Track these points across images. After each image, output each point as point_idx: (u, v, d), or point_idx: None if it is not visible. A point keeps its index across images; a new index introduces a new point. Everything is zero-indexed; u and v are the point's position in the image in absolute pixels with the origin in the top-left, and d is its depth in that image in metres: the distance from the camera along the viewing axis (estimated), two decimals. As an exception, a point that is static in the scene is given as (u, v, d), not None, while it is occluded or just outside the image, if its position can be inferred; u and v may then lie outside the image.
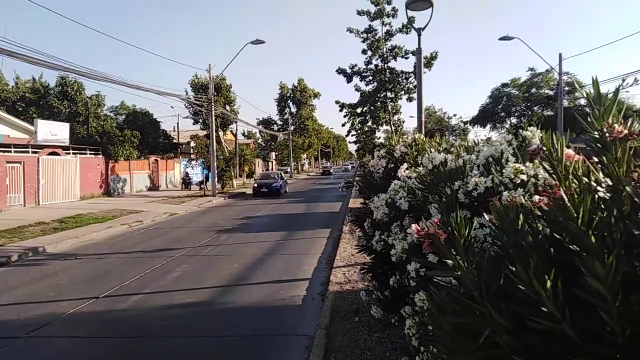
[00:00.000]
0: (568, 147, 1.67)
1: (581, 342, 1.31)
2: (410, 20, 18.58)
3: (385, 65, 25.71)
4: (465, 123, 49.69)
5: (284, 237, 13.13)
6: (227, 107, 35.33)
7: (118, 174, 28.85)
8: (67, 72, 21.33)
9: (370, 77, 26.21)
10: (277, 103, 65.30)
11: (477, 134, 47.71)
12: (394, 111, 26.98)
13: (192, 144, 39.73)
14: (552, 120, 28.64)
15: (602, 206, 1.41)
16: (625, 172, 1.42)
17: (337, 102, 28.38)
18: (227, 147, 38.66)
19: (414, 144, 3.88)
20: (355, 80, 26.63)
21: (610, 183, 1.45)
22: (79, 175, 24.89)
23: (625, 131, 1.42)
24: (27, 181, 20.93)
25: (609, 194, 1.45)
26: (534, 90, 41.40)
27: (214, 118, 28.17)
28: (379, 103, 26.68)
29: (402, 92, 26.09)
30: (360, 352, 4.86)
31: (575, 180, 1.54)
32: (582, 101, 36.54)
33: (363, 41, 25.17)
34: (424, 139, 4.05)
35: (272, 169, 72.95)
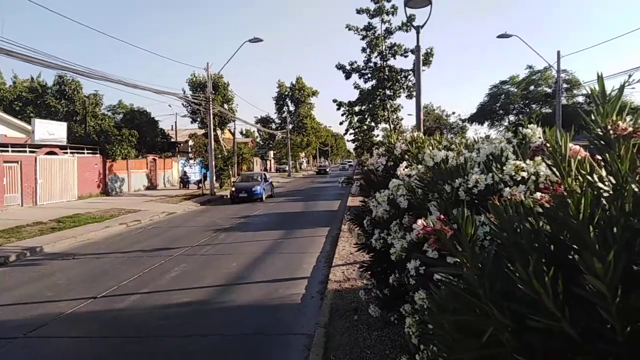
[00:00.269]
0: (582, 146, 1.66)
1: (581, 340, 1.30)
2: (410, 18, 18.57)
3: (385, 63, 25.71)
4: (463, 121, 49.67)
5: (283, 235, 13.12)
6: (225, 106, 35.29)
7: (116, 173, 28.79)
8: (65, 71, 21.29)
9: (369, 75, 26.22)
10: (275, 101, 65.34)
11: (477, 131, 47.75)
12: (392, 109, 26.99)
13: (190, 142, 39.70)
14: (550, 117, 28.66)
15: (604, 203, 1.40)
16: (628, 169, 1.41)
17: (334, 100, 28.40)
18: (225, 146, 38.62)
19: (414, 141, 3.87)
20: (354, 77, 26.68)
21: (613, 181, 1.44)
22: (76, 175, 24.83)
23: (630, 128, 1.41)
24: (24, 181, 20.87)
25: (611, 191, 1.44)
26: (532, 87, 41.39)
27: (211, 117, 28.10)
28: (377, 101, 26.68)
29: (401, 90, 26.10)
30: (360, 351, 4.86)
31: (579, 177, 1.53)
32: (580, 99, 36.59)
33: (362, 39, 25.18)
34: (424, 137, 4.04)
35: (270, 168, 72.95)
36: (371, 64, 26.01)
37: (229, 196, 24.21)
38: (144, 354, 5.32)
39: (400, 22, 24.25)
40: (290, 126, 60.85)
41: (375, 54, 25.46)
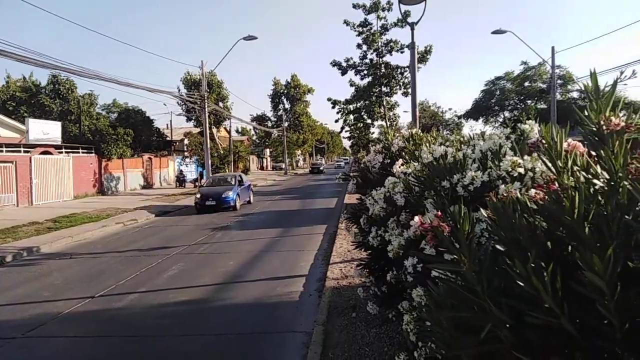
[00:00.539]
0: (579, 142, 1.67)
1: (580, 336, 1.31)
2: (406, 14, 18.55)
3: (381, 60, 25.68)
4: (459, 117, 49.77)
5: (280, 233, 13.11)
6: (220, 104, 35.20)
7: (111, 172, 28.67)
8: (58, 71, 21.16)
9: (365, 72, 26.18)
10: (270, 99, 65.14)
11: (473, 127, 47.86)
12: (389, 106, 26.98)
13: (186, 141, 39.55)
14: (545, 113, 28.74)
15: (599, 199, 1.41)
16: (622, 164, 1.41)
17: (329, 99, 28.33)
18: (221, 144, 38.56)
19: (411, 138, 3.87)
20: (350, 73, 26.60)
21: (607, 176, 1.45)
22: (72, 175, 24.72)
23: (622, 124, 1.42)
24: (19, 181, 20.76)
25: (606, 187, 1.44)
26: (527, 83, 41.54)
27: (207, 115, 28.00)
28: (374, 98, 26.65)
29: (398, 87, 26.08)
30: (358, 348, 4.87)
31: (574, 174, 1.54)
32: (575, 94, 36.70)
33: (358, 35, 25.13)
34: (422, 133, 4.04)
35: (267, 166, 72.79)
36: (367, 61, 25.97)
37: (193, 204, 19.27)
38: (142, 354, 5.31)
39: (396, 19, 24.23)
40: (286, 124, 60.74)
41: (372, 50, 25.43)
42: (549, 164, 1.57)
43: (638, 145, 1.50)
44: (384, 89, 26.23)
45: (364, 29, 24.89)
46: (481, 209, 1.78)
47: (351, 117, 28.67)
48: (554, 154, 1.57)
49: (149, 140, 34.07)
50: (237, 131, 67.54)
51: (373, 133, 29.00)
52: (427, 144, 3.49)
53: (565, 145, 1.58)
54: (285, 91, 64.10)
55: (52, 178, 23.17)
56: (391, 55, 25.60)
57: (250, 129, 71.72)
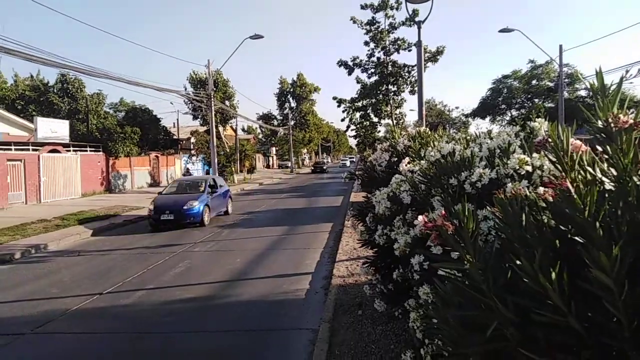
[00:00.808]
0: (580, 139, 1.66)
1: (587, 334, 1.30)
2: (414, 13, 18.50)
3: (388, 58, 25.61)
4: (466, 116, 49.60)
5: (286, 231, 13.14)
6: (227, 103, 35.29)
7: (119, 170, 28.87)
8: (66, 69, 21.32)
9: (372, 70, 26.12)
10: (277, 98, 65.28)
11: (479, 126, 47.66)
12: (396, 104, 26.91)
13: (192, 139, 39.74)
14: (552, 111, 28.56)
15: (608, 197, 1.41)
16: (630, 162, 1.41)
17: (334, 98, 28.33)
18: (227, 143, 38.68)
19: (418, 136, 3.86)
20: (357, 72, 26.55)
21: (615, 174, 1.45)
22: (79, 172, 24.91)
23: (631, 121, 1.41)
24: (28, 179, 20.95)
25: (614, 185, 1.44)
26: (534, 82, 41.30)
27: (213, 113, 28.09)
28: (381, 96, 26.59)
29: (405, 85, 26.01)
30: (365, 345, 4.88)
31: (581, 171, 1.53)
32: (583, 93, 36.44)
33: (366, 33, 25.07)
34: (428, 131, 4.04)
35: (272, 164, 72.86)
36: (374, 59, 25.91)
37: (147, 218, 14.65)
38: (150, 350, 5.35)
39: (404, 17, 24.16)
40: (292, 122, 60.80)
41: (379, 48, 25.37)
42: (556, 162, 1.57)
43: None
44: (391, 87, 26.17)
45: (372, 27, 24.84)
46: (488, 207, 1.78)
47: (357, 115, 28.64)
48: (560, 152, 1.57)
49: (156, 138, 34.28)
50: (243, 130, 67.75)
51: (379, 132, 28.97)
52: (434, 143, 3.48)
53: (566, 144, 1.58)
54: (292, 90, 64.22)
55: (60, 176, 23.36)
56: (399, 53, 25.55)
57: (256, 128, 71.89)
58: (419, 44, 9.36)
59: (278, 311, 6.48)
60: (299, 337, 5.51)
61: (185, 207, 13.92)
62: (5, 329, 6.01)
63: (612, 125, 1.45)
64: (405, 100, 27.42)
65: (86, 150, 26.51)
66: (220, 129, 37.51)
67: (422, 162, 3.01)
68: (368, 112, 27.92)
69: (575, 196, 1.36)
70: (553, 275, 1.28)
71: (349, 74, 26.63)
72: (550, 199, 1.54)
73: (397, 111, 27.27)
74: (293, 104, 64.91)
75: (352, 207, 6.32)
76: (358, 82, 26.84)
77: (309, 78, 65.39)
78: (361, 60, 26.16)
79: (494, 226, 1.80)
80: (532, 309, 1.32)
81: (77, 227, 14.30)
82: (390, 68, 25.63)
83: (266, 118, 62.22)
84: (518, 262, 1.35)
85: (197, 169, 37.78)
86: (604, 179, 1.47)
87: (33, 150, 22.14)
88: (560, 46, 23.95)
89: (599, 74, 1.53)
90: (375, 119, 28.16)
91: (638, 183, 1.36)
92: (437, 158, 2.57)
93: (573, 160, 1.56)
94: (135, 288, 7.70)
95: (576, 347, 1.33)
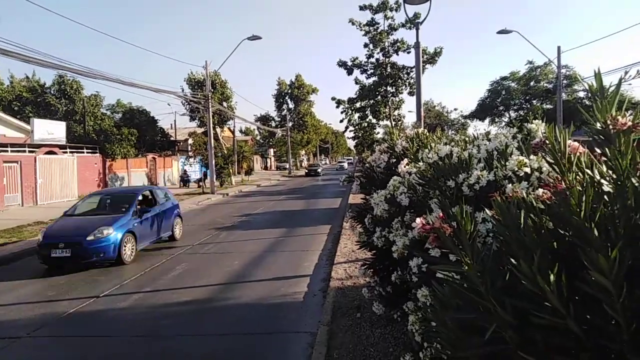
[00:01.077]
0: (577, 141, 1.66)
1: (585, 337, 1.30)
2: (416, 16, 18.52)
3: (387, 60, 25.63)
4: (465, 117, 49.68)
5: (284, 233, 13.12)
6: (224, 104, 35.27)
7: (116, 172, 28.82)
8: (63, 71, 21.27)
9: (372, 71, 26.14)
10: (275, 99, 65.32)
11: (477, 127, 47.73)
12: (394, 106, 26.93)
13: (190, 141, 39.69)
14: (551, 113, 28.63)
15: (606, 199, 1.40)
16: (629, 164, 1.41)
17: (333, 98, 28.33)
18: (225, 144, 38.67)
19: (416, 138, 3.86)
20: (356, 72, 26.56)
21: (614, 176, 1.44)
22: (76, 174, 24.84)
23: (629, 123, 1.41)
24: (24, 181, 20.88)
25: (612, 187, 1.44)
26: (532, 83, 41.39)
27: (210, 115, 28.07)
28: (379, 97, 26.61)
29: (404, 87, 26.03)
30: (363, 348, 4.86)
31: (579, 173, 1.53)
32: (581, 94, 36.51)
33: (365, 34, 25.08)
34: (427, 133, 4.04)
35: (270, 166, 72.81)
36: (373, 60, 25.94)
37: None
38: (147, 353, 5.32)
39: (403, 19, 24.18)
40: (290, 124, 60.83)
41: (378, 50, 25.40)
42: (553, 164, 1.57)
43: None
44: (389, 88, 26.20)
45: (371, 28, 24.86)
46: (486, 209, 1.78)
47: (356, 116, 28.66)
48: (558, 154, 1.57)
49: (153, 140, 34.26)
50: (240, 131, 67.71)
51: (378, 133, 28.98)
52: (432, 144, 3.48)
53: (564, 146, 1.57)
54: (290, 91, 64.28)
55: (57, 178, 23.29)
56: (398, 55, 25.58)
57: (254, 129, 71.87)
58: (417, 46, 9.39)
59: (276, 314, 6.46)
60: (297, 340, 5.50)
61: (89, 238, 9.07)
62: (1, 332, 5.98)
63: (611, 127, 1.45)
64: (404, 102, 27.46)
65: (83, 152, 26.44)
66: (218, 130, 37.50)
67: (420, 164, 3.00)
68: (367, 113, 27.94)
69: (571, 198, 1.36)
70: (551, 277, 1.27)
71: (349, 74, 26.65)
72: (548, 201, 1.54)
73: (396, 112, 27.30)
74: (291, 106, 64.97)
75: (351, 209, 6.33)
76: (357, 83, 26.86)
77: (308, 78, 65.86)
78: (360, 61, 26.18)
79: (492, 228, 1.80)
80: (531, 311, 1.32)
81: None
82: (389, 69, 25.65)
83: (264, 119, 62.25)
84: (516, 264, 1.35)
85: (195, 171, 37.73)
86: (602, 181, 1.47)
87: (29, 152, 22.07)
88: (559, 47, 24.03)
89: (598, 75, 1.53)
90: (374, 120, 28.18)
91: (636, 185, 1.36)
92: (435, 160, 2.56)
93: (570, 162, 1.56)
94: (132, 291, 7.67)
95: (575, 350, 1.33)
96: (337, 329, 5.46)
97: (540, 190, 1.64)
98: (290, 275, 8.46)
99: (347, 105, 28.21)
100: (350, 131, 31.04)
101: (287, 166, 60.71)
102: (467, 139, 3.50)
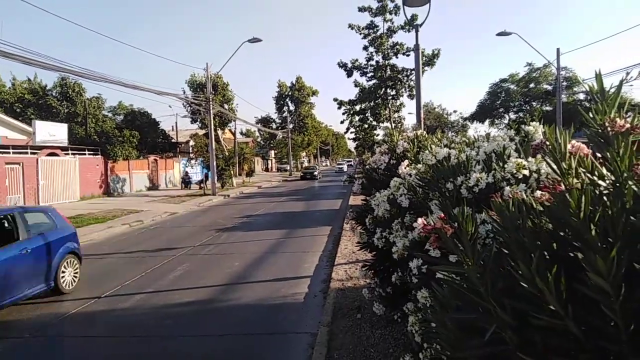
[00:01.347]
0: (585, 143, 1.66)
1: (584, 338, 1.30)
2: (412, 18, 18.56)
3: (387, 62, 25.65)
4: (464, 119, 49.65)
5: (285, 235, 13.13)
6: (225, 106, 35.28)
7: (117, 174, 28.84)
8: (64, 73, 21.31)
9: (371, 73, 26.15)
10: (275, 101, 65.33)
11: (477, 129, 47.73)
12: (394, 108, 26.94)
13: (191, 143, 39.70)
14: (550, 115, 28.60)
15: (605, 201, 1.41)
16: (627, 166, 1.41)
17: (335, 99, 28.34)
18: (226, 146, 38.64)
19: (416, 139, 3.87)
20: (356, 75, 26.57)
21: (612, 178, 1.45)
22: (78, 176, 24.88)
23: (627, 125, 1.42)
24: (26, 182, 20.92)
25: (611, 189, 1.44)
26: (532, 85, 41.36)
27: (212, 117, 28.10)
28: (379, 100, 26.62)
29: (403, 89, 26.03)
30: (363, 349, 4.87)
31: (581, 175, 1.54)
32: (581, 96, 36.49)
33: (364, 37, 25.10)
34: (426, 135, 4.05)
35: (271, 168, 72.83)
36: (373, 63, 25.95)
37: None
38: (149, 354, 5.33)
39: (402, 22, 24.19)
40: (291, 126, 60.83)
41: (378, 52, 25.41)
42: (553, 166, 1.58)
43: None
44: (389, 91, 26.21)
45: (370, 31, 24.88)
46: (486, 210, 1.78)
47: (356, 118, 28.67)
48: (558, 155, 1.57)
49: (155, 142, 34.26)
50: (242, 133, 67.79)
51: (378, 135, 29.00)
52: (431, 146, 3.49)
53: (569, 147, 1.58)
54: (290, 93, 64.26)
55: (59, 179, 23.32)
56: (397, 57, 25.58)
57: (255, 131, 71.89)
58: (416, 48, 9.40)
59: (277, 315, 6.46)
60: (297, 341, 5.50)
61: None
62: (4, 332, 5.99)
63: (609, 129, 1.46)
64: (404, 105, 27.48)
65: (85, 154, 26.48)
66: (219, 132, 37.47)
67: (420, 165, 3.02)
68: (367, 115, 27.95)
69: (569, 199, 1.37)
70: (550, 278, 1.28)
71: (348, 76, 26.65)
72: (547, 202, 1.54)
73: (396, 115, 27.33)
74: (292, 107, 64.97)
75: (351, 210, 6.33)
76: (356, 86, 26.87)
77: (309, 79, 65.94)
78: (360, 63, 26.19)
79: (491, 230, 1.81)
80: (530, 312, 1.32)
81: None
82: (388, 72, 25.66)
83: (265, 121, 62.24)
84: (515, 265, 1.35)
85: (196, 172, 37.79)
86: (600, 182, 1.47)
87: (31, 153, 22.11)
88: (558, 49, 24.04)
89: (599, 77, 1.53)
90: (374, 122, 28.19)
91: (634, 187, 1.36)
92: (434, 162, 2.57)
93: (571, 163, 1.57)
94: (134, 292, 7.67)
95: (574, 351, 1.34)
96: (337, 330, 5.47)
97: (539, 192, 1.64)
98: (291, 276, 8.46)
99: (348, 107, 28.23)
100: (351, 132, 31.06)
101: (288, 168, 60.74)
102: (467, 141, 3.52)
